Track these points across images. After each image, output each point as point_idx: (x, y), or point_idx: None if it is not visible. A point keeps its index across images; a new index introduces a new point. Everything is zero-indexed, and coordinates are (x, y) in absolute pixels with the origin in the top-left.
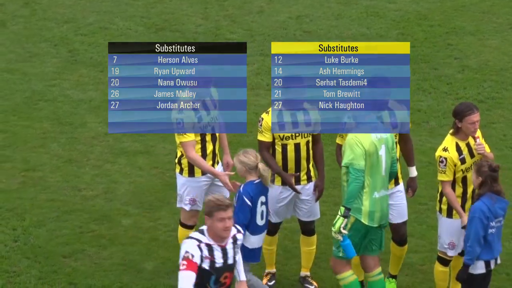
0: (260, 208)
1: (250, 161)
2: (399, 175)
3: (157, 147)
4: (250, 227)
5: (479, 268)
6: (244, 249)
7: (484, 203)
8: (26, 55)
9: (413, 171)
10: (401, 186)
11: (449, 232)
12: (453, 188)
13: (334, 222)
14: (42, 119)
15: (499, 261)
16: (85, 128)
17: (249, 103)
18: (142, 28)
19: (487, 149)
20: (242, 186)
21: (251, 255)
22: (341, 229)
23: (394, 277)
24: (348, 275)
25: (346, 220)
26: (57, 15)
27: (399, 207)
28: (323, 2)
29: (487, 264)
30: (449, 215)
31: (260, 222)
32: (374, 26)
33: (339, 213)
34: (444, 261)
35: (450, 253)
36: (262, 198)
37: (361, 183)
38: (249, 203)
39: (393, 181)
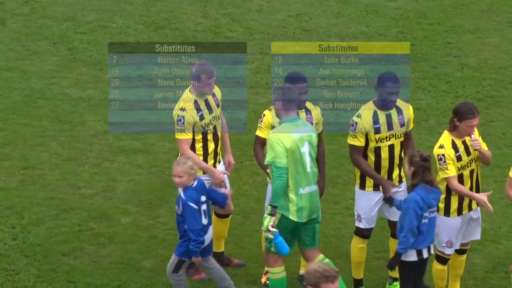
0: (202, 208)
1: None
2: (402, 174)
3: (156, 146)
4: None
5: (411, 256)
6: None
7: (418, 194)
8: (25, 53)
9: None
10: (403, 185)
11: (447, 230)
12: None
13: (262, 220)
14: (41, 117)
15: (432, 251)
16: (84, 127)
17: (248, 102)
18: (141, 26)
19: (484, 147)
20: (183, 194)
21: (204, 252)
22: (270, 227)
23: (396, 279)
24: (278, 271)
25: (273, 218)
26: (56, 13)
27: None
28: (323, 0)
29: (419, 252)
30: (447, 213)
31: (204, 221)
32: (374, 24)
33: (266, 211)
34: (443, 260)
35: (448, 251)
36: (202, 198)
37: (285, 181)
38: (195, 206)
39: (397, 179)
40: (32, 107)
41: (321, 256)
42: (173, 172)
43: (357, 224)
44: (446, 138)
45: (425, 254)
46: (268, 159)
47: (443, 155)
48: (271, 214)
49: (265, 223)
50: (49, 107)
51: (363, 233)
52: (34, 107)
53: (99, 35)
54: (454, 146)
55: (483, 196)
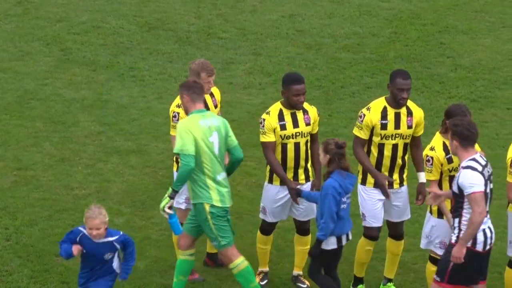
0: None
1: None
2: (404, 177)
3: (149, 146)
4: None
5: (331, 243)
6: None
7: (335, 180)
8: (18, 54)
9: (423, 177)
10: (405, 188)
11: (440, 231)
12: (440, 187)
13: (161, 200)
14: (34, 118)
15: (350, 237)
16: (78, 127)
17: (241, 102)
18: (134, 27)
19: (477, 147)
20: (117, 242)
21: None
22: (166, 208)
23: (390, 280)
24: (240, 262)
25: (172, 200)
26: (49, 14)
27: (400, 207)
28: (316, 1)
29: (339, 239)
30: (440, 215)
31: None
32: (367, 25)
33: (167, 193)
34: (436, 261)
35: (440, 252)
36: None
37: (190, 168)
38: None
39: (398, 182)
40: (25, 108)
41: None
42: (88, 225)
43: (363, 223)
44: (437, 140)
45: (343, 241)
46: (176, 148)
47: (431, 157)
48: (171, 197)
49: (163, 203)
50: (42, 107)
51: (370, 234)
52: (27, 108)
53: (92, 36)
54: (445, 148)
55: (449, 215)
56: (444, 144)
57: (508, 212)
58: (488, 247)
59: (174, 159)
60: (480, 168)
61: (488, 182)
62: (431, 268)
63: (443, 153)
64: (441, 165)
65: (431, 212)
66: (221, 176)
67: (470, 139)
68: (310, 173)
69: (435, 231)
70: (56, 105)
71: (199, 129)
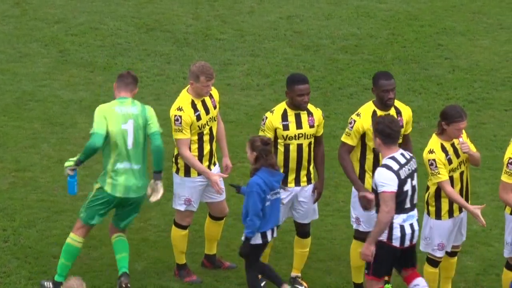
0: None
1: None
2: None
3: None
4: None
5: (256, 239)
6: None
7: (260, 177)
8: (16, 55)
9: None
10: None
11: (439, 233)
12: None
13: (69, 160)
14: (32, 119)
15: (275, 234)
16: (76, 129)
17: (239, 104)
18: (132, 28)
19: (473, 148)
20: None
21: None
22: (68, 170)
23: (388, 282)
24: (76, 240)
25: (75, 167)
26: (47, 15)
27: None
28: (314, 2)
29: (264, 235)
30: (438, 216)
31: None
32: (365, 26)
33: (76, 157)
34: (434, 263)
35: (439, 254)
36: None
37: (94, 146)
38: None
39: None
40: (23, 109)
41: (119, 234)
42: None
43: (355, 227)
44: (435, 142)
45: (269, 237)
46: (92, 130)
47: (434, 160)
48: (76, 164)
49: (68, 164)
50: (40, 109)
51: (363, 236)
52: (25, 109)
53: (90, 37)
54: (444, 149)
55: (476, 209)
56: (442, 145)
57: (506, 213)
58: (407, 243)
59: (173, 160)
60: (396, 167)
61: (409, 180)
62: (429, 270)
63: (443, 154)
64: (443, 165)
65: (428, 213)
66: (125, 165)
67: (391, 137)
68: (312, 176)
69: (433, 232)
70: (54, 106)
71: (113, 114)
